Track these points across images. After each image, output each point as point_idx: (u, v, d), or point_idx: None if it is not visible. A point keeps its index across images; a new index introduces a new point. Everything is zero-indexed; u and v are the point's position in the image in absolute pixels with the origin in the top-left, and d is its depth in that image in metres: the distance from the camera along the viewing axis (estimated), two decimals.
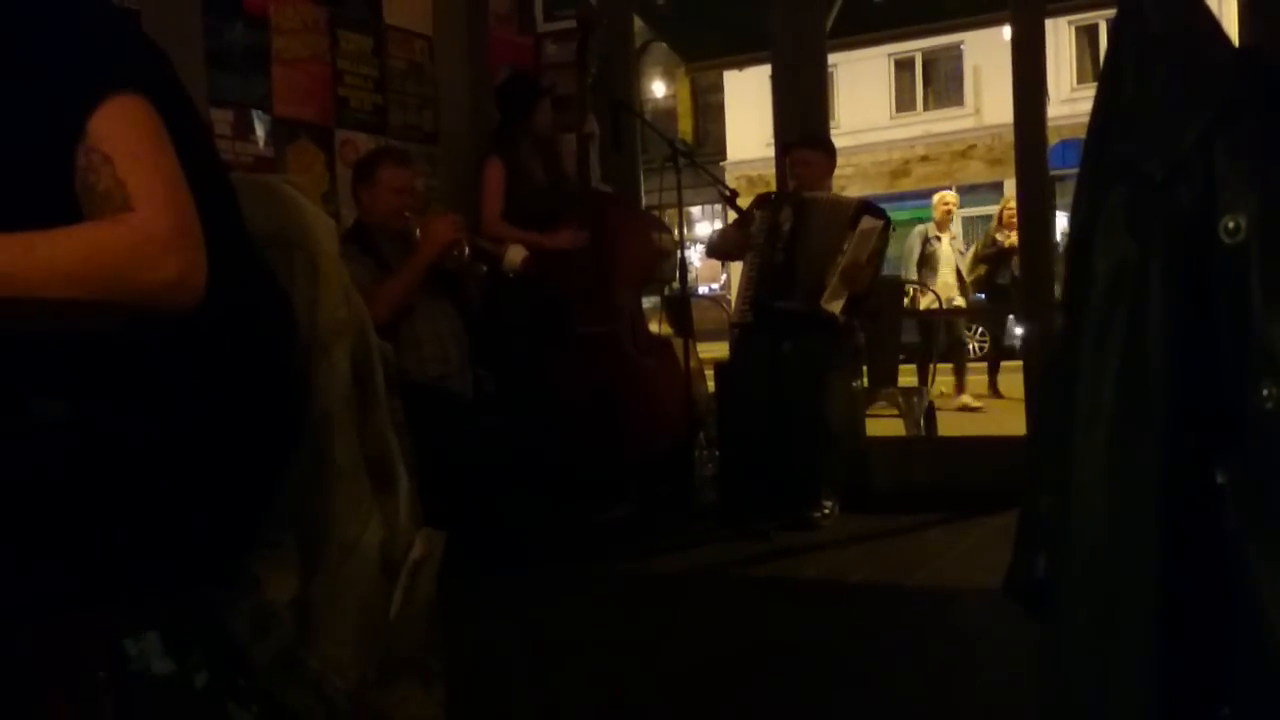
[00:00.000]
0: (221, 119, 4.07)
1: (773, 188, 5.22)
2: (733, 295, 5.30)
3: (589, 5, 5.02)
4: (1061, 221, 6.54)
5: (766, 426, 4.41)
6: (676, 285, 4.91)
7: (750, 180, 17.78)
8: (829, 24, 5.38)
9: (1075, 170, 1.14)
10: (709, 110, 24.19)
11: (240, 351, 1.36)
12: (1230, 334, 0.95)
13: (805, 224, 4.50)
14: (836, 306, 4.38)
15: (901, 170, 22.39)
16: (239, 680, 1.45)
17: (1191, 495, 0.96)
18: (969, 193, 22.31)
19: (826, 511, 4.40)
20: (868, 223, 4.46)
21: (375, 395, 1.59)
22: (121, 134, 1.22)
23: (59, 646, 1.26)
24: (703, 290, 16.42)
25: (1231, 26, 4.43)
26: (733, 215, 5.00)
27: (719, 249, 5.12)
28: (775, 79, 5.37)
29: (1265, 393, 0.91)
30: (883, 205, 4.80)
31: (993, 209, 23.19)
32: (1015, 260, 6.93)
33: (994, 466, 4.26)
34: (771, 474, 4.44)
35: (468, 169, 4.83)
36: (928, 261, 8.42)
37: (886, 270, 5.57)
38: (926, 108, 22.65)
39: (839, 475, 4.52)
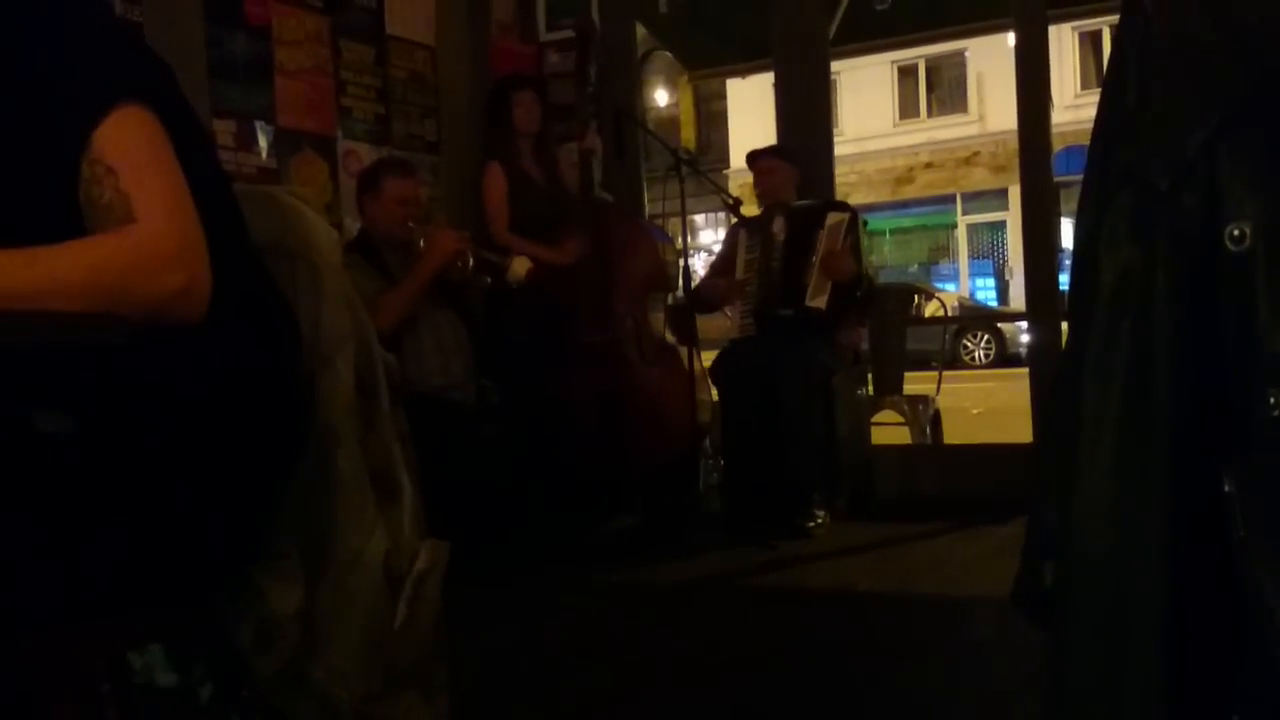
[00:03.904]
0: (224, 130, 4.07)
1: None
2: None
3: (586, 16, 5.02)
4: (1066, 228, 6.53)
5: (763, 435, 4.41)
6: (680, 294, 4.90)
7: (753, 188, 17.74)
8: (832, 31, 5.40)
9: (1079, 177, 1.14)
10: (712, 118, 24.19)
11: (244, 363, 1.36)
12: (1236, 341, 0.94)
13: (796, 230, 4.61)
14: (821, 301, 4.51)
15: (905, 177, 22.37)
16: (243, 692, 1.45)
17: (1198, 503, 0.96)
18: (973, 200, 22.37)
19: (819, 520, 4.38)
20: (833, 217, 4.60)
21: (379, 406, 1.58)
22: (126, 146, 1.22)
23: (63, 659, 1.26)
24: None
25: None
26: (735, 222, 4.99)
27: (707, 301, 4.89)
28: (778, 86, 5.37)
29: (1271, 400, 0.91)
30: (886, 213, 4.86)
31: (997, 216, 23.18)
32: None
33: (1001, 475, 4.26)
34: (767, 483, 4.44)
35: (471, 179, 4.83)
36: None
37: (894, 277, 5.57)
38: (930, 115, 22.66)
39: (832, 483, 4.51)
